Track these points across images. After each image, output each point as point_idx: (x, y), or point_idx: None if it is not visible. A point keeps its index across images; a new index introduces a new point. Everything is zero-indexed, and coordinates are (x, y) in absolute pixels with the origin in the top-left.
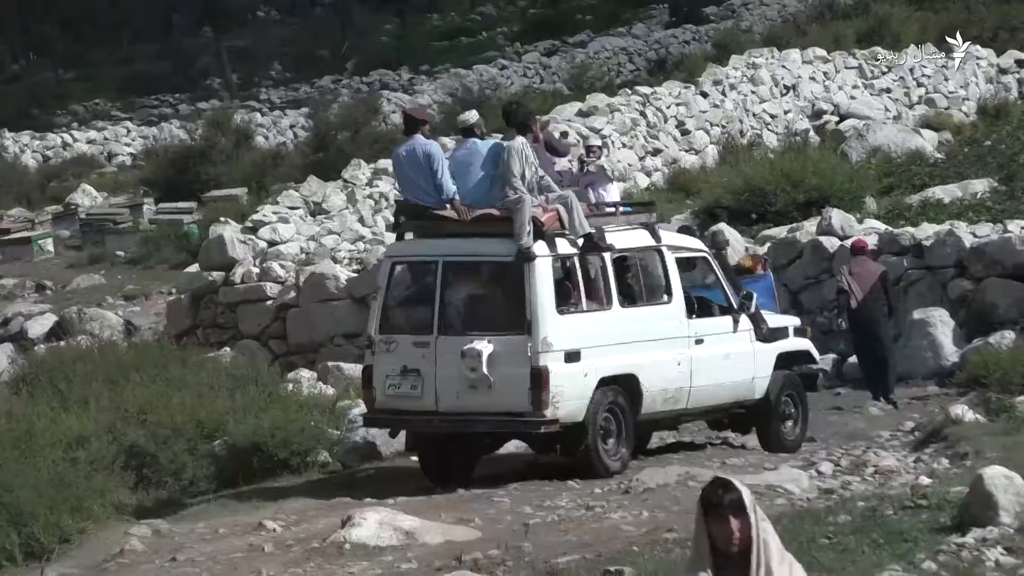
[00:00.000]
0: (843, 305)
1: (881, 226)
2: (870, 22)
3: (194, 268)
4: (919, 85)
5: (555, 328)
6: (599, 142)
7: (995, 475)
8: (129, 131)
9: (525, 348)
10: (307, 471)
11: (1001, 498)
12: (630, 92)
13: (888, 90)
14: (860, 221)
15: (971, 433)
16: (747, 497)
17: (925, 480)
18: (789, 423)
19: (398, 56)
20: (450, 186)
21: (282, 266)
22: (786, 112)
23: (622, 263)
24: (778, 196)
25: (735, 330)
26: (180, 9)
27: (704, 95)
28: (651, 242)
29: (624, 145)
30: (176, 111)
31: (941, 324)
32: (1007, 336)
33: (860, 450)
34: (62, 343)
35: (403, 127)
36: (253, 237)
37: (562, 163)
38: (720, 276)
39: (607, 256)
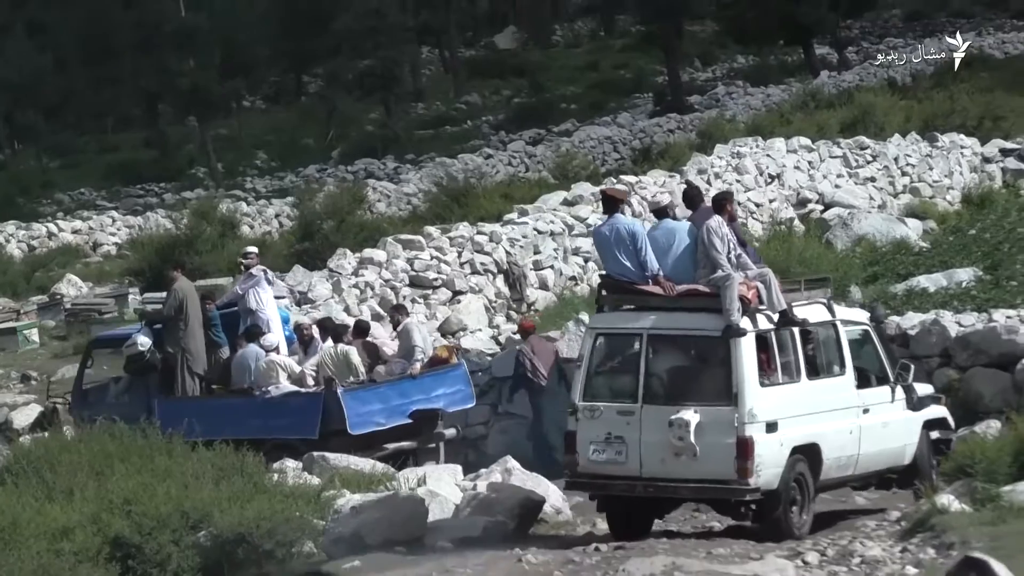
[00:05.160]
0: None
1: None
2: (854, 111)
3: None
4: (903, 174)
5: (759, 400)
6: (255, 249)
7: None
8: (114, 220)
9: (730, 419)
10: (292, 562)
11: None
12: (615, 181)
13: (873, 179)
14: None
15: (958, 523)
16: None
17: (912, 570)
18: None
19: (383, 144)
20: (654, 263)
21: None
22: (771, 201)
23: (805, 336)
24: None
25: (892, 400)
26: (165, 98)
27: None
28: (828, 316)
29: None
30: (161, 200)
31: None
32: (993, 425)
33: (846, 540)
34: (47, 434)
35: (602, 207)
36: None
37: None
38: (880, 348)
39: (796, 330)
